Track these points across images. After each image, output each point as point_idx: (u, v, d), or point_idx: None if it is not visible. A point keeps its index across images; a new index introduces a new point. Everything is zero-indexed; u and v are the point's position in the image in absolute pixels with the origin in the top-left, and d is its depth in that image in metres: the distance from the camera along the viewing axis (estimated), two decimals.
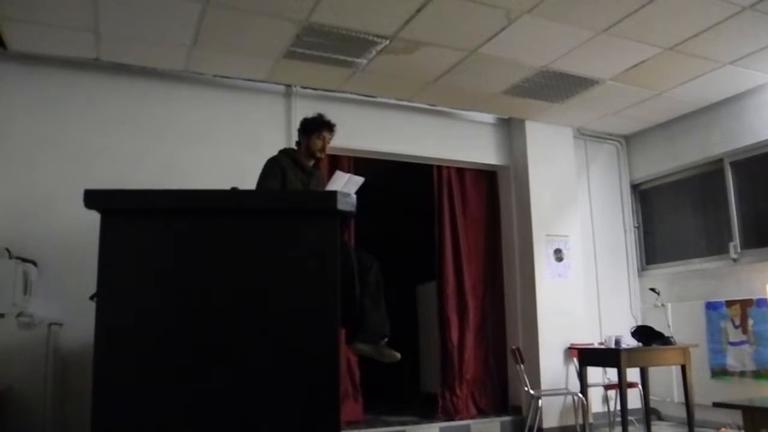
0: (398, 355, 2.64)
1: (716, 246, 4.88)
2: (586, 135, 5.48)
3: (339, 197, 1.59)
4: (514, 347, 4.51)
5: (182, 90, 4.12)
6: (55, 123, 3.81)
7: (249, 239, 1.57)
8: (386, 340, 2.73)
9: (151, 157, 3.95)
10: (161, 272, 1.52)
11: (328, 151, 3.93)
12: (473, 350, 4.90)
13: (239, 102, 4.27)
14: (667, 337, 4.23)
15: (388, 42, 3.66)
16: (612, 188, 5.55)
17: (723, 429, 4.29)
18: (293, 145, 3.23)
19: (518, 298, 4.99)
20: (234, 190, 1.80)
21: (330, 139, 3.08)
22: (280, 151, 3.10)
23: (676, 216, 5.26)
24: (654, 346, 4.18)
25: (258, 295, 1.54)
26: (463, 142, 5.02)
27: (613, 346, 4.17)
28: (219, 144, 4.14)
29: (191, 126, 4.13)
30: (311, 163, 3.08)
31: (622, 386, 3.96)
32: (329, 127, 3.06)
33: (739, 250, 4.68)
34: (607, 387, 4.75)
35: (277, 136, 4.24)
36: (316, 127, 3.04)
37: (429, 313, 5.50)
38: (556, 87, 4.41)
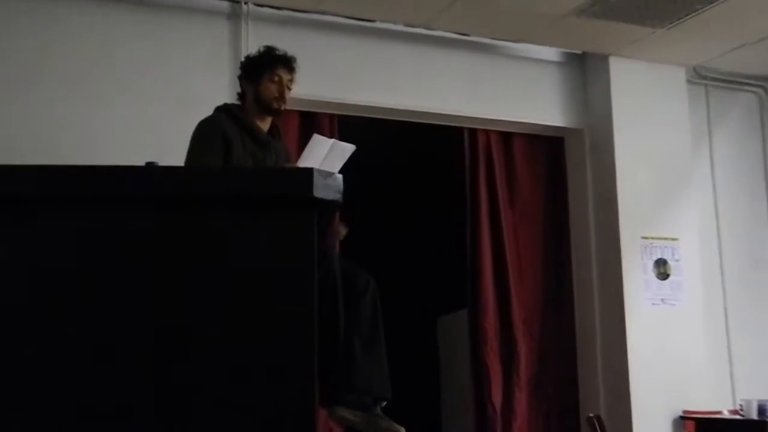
0: (402, 430, 2.64)
1: None
2: (708, 79, 5.28)
3: (316, 178, 1.61)
4: (591, 415, 4.36)
5: (72, 11, 4.04)
6: None
7: (172, 244, 1.60)
8: (384, 404, 2.72)
9: (27, 117, 3.90)
10: (37, 286, 1.58)
11: (297, 106, 4.15)
12: (526, 418, 4.81)
13: (160, 28, 4.20)
14: None
15: None
16: (752, 163, 5.39)
17: None
18: (237, 100, 3.20)
19: (598, 336, 4.87)
20: (151, 167, 1.83)
21: (290, 81, 3.04)
22: (218, 110, 3.06)
23: None
24: None
25: (185, 332, 1.57)
26: (510, 91, 4.87)
27: (755, 416, 4.11)
28: (129, 95, 4.08)
29: (87, 68, 4.05)
30: (266, 125, 3.06)
31: None
32: (286, 62, 3.02)
33: None
34: None
35: (218, 81, 4.14)
36: (266, 65, 3.02)
37: (456, 358, 5.37)
38: (658, 1, 4.29)
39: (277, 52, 3.06)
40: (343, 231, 3.20)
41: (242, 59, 3.24)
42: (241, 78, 3.12)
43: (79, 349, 1.57)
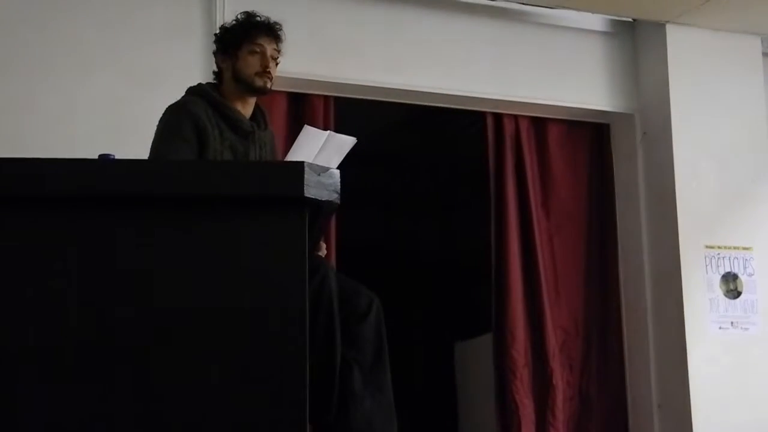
0: None
1: None
2: None
3: (308, 175, 1.66)
4: None
5: None
6: None
7: (127, 252, 1.67)
8: None
9: None
10: None
11: (285, 86, 4.05)
12: None
13: None
14: None
15: None
16: None
17: None
18: (213, 80, 3.18)
19: (652, 368, 4.73)
20: (104, 160, 1.86)
21: (276, 52, 3.02)
22: (191, 93, 3.04)
23: None
24: None
25: (146, 356, 1.65)
26: (544, 68, 4.77)
27: None
28: (85, 74, 4.01)
29: (26, 38, 3.98)
30: (249, 109, 3.05)
31: None
32: (268, 28, 3.00)
33: None
34: None
35: (189, 55, 4.13)
36: (244, 34, 3.01)
37: (478, 393, 5.28)
38: None
39: (257, 18, 3.02)
40: (322, 249, 3.10)
41: (219, 28, 3.18)
42: (216, 54, 3.08)
43: (50, 356, 1.66)
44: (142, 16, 4.15)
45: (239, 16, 3.06)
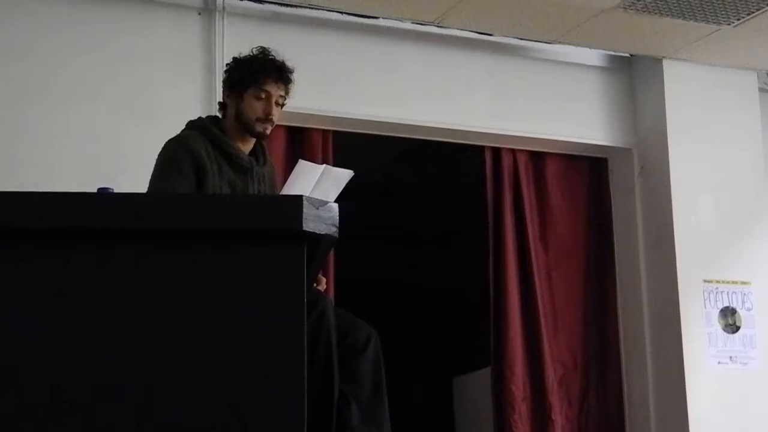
0: None
1: None
2: None
3: (306, 208, 1.66)
4: None
5: (12, 5, 4.01)
6: None
7: (126, 286, 1.67)
8: None
9: None
10: None
11: (284, 120, 3.88)
12: None
13: (116, 24, 4.15)
14: None
15: None
16: None
17: None
18: (215, 112, 3.18)
19: (651, 402, 4.71)
20: (103, 194, 1.88)
21: (283, 97, 3.01)
22: (191, 127, 3.05)
23: None
24: None
25: (137, 399, 1.63)
26: (541, 103, 4.80)
27: None
28: (81, 105, 4.01)
29: (24, 71, 3.98)
30: (249, 145, 3.04)
31: None
32: (279, 72, 2.98)
33: None
34: None
35: (187, 89, 4.14)
36: (253, 76, 2.98)
37: (478, 427, 5.32)
38: None
39: (270, 56, 3.01)
40: (321, 283, 3.07)
41: (231, 59, 3.15)
42: (224, 86, 3.08)
43: (46, 391, 1.65)
44: (141, 48, 4.16)
45: (254, 51, 3.04)
